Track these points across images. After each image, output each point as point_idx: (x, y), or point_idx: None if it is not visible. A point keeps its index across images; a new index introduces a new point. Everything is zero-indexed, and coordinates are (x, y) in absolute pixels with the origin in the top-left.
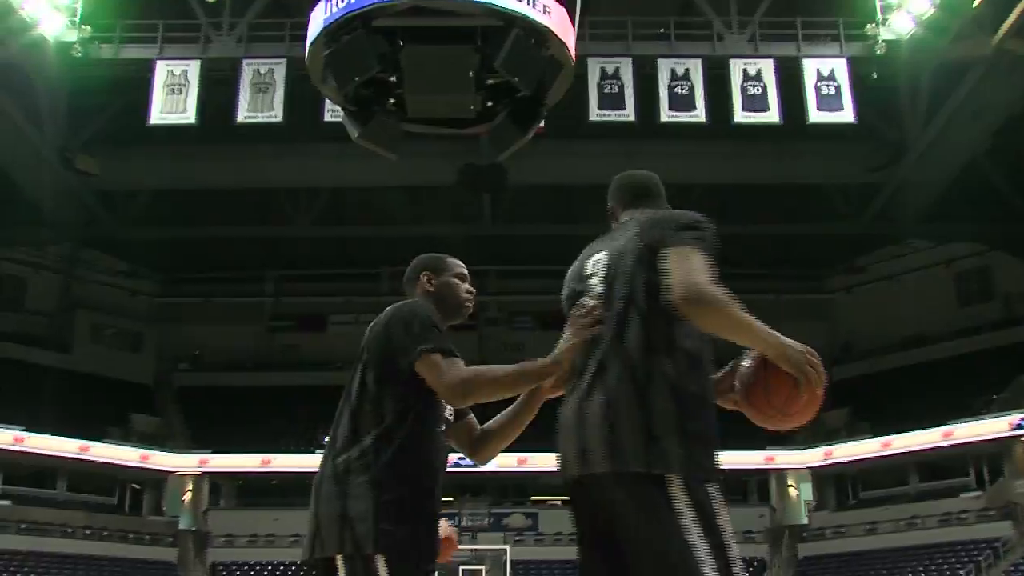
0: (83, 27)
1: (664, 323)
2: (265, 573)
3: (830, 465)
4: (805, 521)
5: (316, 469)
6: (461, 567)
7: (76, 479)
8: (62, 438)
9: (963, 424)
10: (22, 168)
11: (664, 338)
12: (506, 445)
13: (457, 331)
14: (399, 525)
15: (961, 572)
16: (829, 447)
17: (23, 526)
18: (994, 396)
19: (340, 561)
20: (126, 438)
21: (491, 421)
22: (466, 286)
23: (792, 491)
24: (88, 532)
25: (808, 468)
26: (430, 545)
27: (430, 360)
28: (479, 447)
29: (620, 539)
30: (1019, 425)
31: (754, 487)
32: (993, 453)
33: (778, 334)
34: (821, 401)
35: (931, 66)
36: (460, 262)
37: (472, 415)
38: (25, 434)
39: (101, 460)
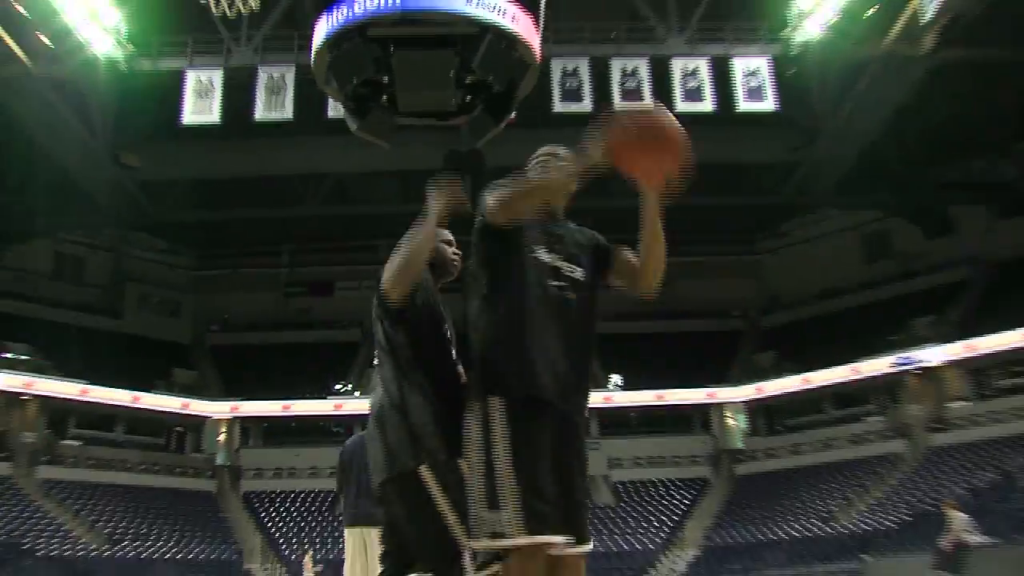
0: (126, 45)
1: None
2: (288, 500)
3: (761, 399)
4: (741, 446)
5: (329, 412)
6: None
7: (131, 423)
8: (118, 390)
9: (868, 361)
10: (78, 166)
11: None
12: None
13: (445, 293)
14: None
15: (866, 482)
16: (760, 384)
17: (90, 462)
18: (892, 338)
19: (425, 471)
20: (170, 389)
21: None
22: (452, 249)
23: (730, 421)
24: (142, 467)
25: (742, 401)
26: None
27: None
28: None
29: None
30: (901, 361)
31: (698, 419)
32: (891, 384)
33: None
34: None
35: (837, 64)
36: (446, 231)
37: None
38: (89, 386)
39: (150, 408)
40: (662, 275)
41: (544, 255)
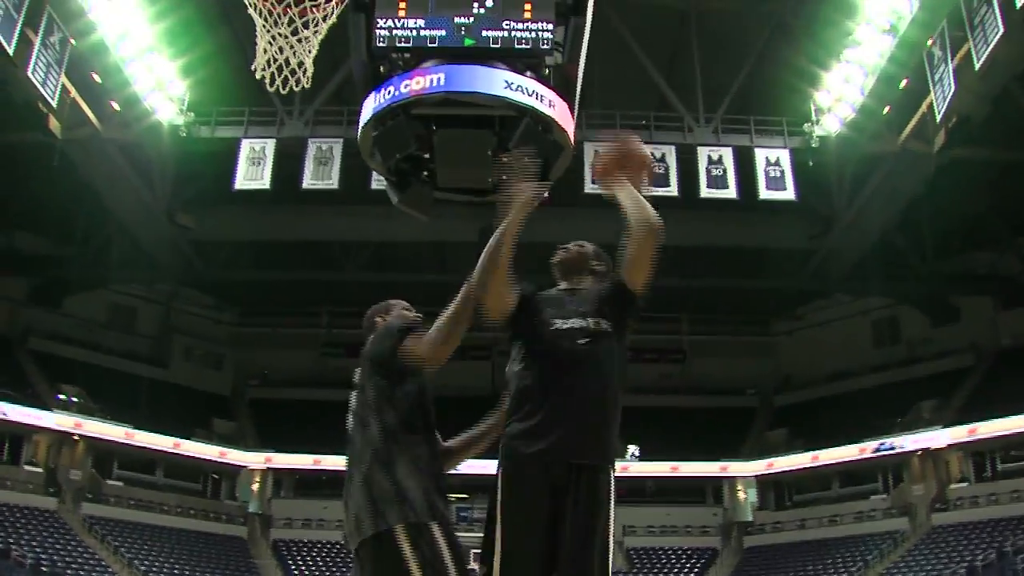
0: (188, 113)
1: None
2: (316, 549)
3: (771, 474)
4: (750, 518)
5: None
6: (472, 551)
7: (171, 468)
8: (161, 435)
9: (874, 442)
10: (137, 222)
11: None
12: (463, 461)
13: (474, 361)
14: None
15: (869, 557)
16: (771, 459)
17: (131, 502)
18: (898, 420)
19: (401, 530)
20: (209, 438)
21: (453, 440)
22: (412, 314)
23: (740, 494)
24: (179, 510)
25: (754, 476)
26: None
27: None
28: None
29: None
30: (879, 448)
31: (710, 491)
32: (896, 464)
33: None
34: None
35: (853, 158)
36: (404, 302)
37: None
38: (133, 431)
39: (189, 454)
40: (648, 266)
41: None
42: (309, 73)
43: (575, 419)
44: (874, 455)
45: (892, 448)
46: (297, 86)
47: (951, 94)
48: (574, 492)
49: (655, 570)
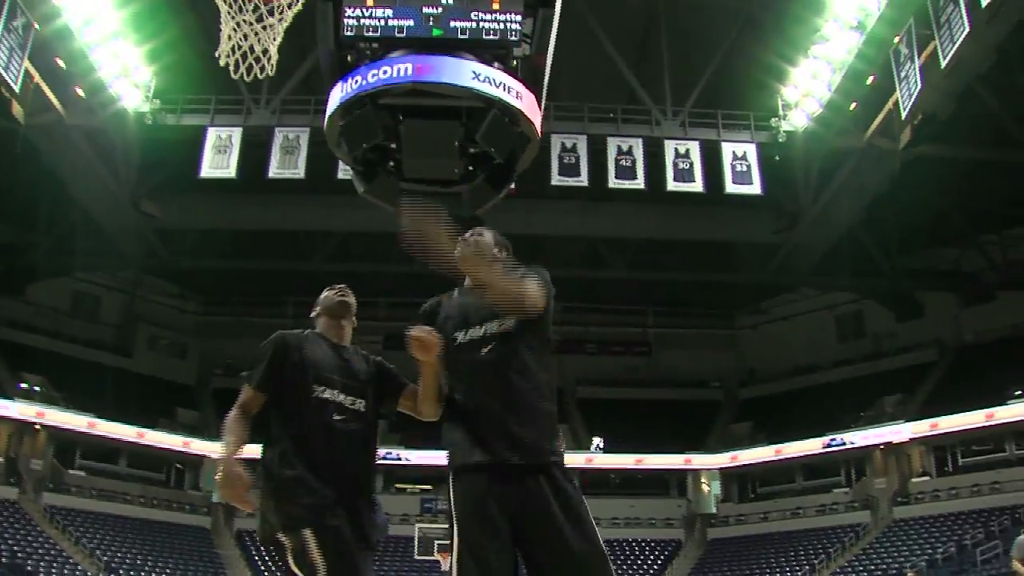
0: (154, 100)
1: None
2: None
3: (735, 467)
4: (714, 511)
5: None
6: (436, 541)
7: (134, 458)
8: (124, 425)
9: (837, 435)
10: (101, 210)
11: None
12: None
13: None
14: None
15: (831, 550)
16: (735, 452)
17: (94, 492)
18: (862, 413)
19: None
20: (173, 428)
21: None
22: (335, 296)
23: (704, 487)
24: (142, 500)
25: (718, 468)
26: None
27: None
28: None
29: None
30: (830, 443)
31: (674, 483)
32: (858, 458)
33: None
34: None
35: (820, 153)
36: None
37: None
38: (96, 420)
39: (153, 444)
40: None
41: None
42: (274, 61)
43: (501, 426)
44: (831, 449)
45: (843, 444)
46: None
47: (917, 91)
48: (538, 496)
49: (619, 561)
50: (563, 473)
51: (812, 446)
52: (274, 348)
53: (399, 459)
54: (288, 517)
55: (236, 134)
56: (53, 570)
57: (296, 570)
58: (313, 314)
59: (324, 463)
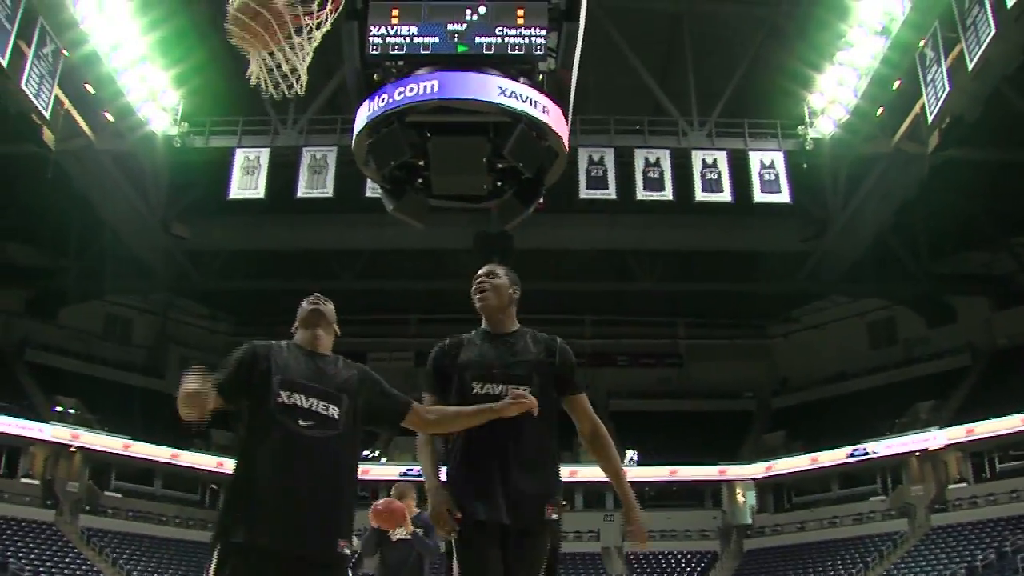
0: (182, 123)
1: None
2: None
3: (770, 476)
4: (749, 521)
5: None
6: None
7: (169, 479)
8: (158, 446)
9: (872, 443)
10: (132, 233)
11: None
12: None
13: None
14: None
15: (868, 559)
16: (769, 462)
17: (129, 513)
18: (896, 421)
19: None
20: (207, 448)
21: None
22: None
23: (739, 497)
24: (178, 521)
25: (752, 479)
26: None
27: None
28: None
29: None
30: (861, 452)
31: (709, 494)
32: (895, 465)
33: None
34: None
35: (848, 159)
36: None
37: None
38: (131, 441)
39: (188, 465)
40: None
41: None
42: (303, 80)
43: (502, 484)
44: (865, 458)
45: (876, 452)
46: (290, 91)
47: (944, 95)
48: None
49: (655, 574)
50: (553, 536)
51: (846, 455)
52: (241, 355)
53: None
54: (219, 526)
55: (264, 155)
56: None
57: None
58: (293, 328)
59: (282, 471)
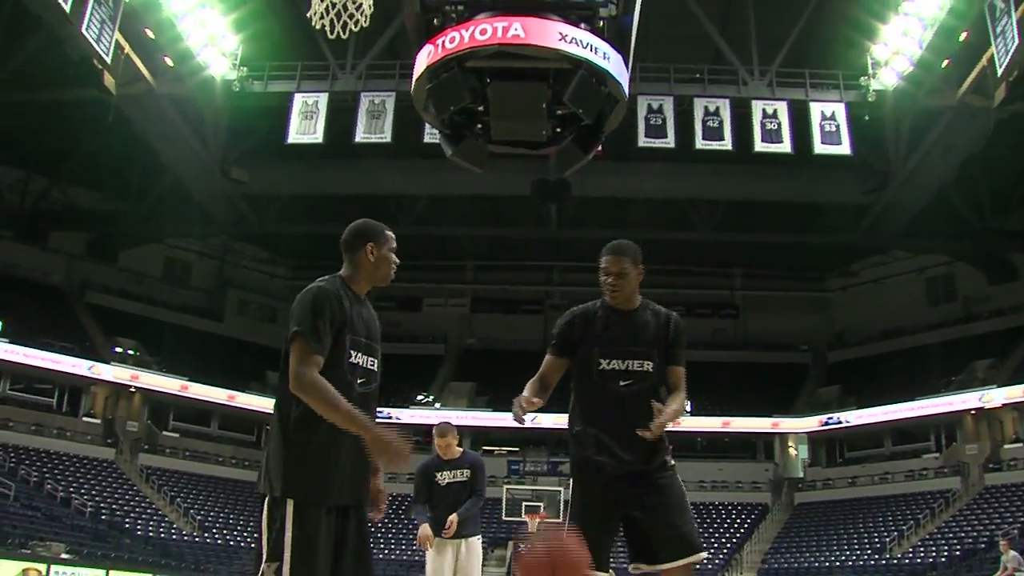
0: (241, 68)
1: None
2: None
3: (823, 430)
4: (801, 475)
5: (407, 420)
6: (524, 503)
7: (225, 420)
8: (215, 388)
9: (928, 400)
10: (192, 177)
11: None
12: None
13: (527, 315)
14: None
15: (920, 516)
16: (823, 416)
17: (187, 453)
18: (952, 378)
19: (266, 501)
20: (262, 390)
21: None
22: (395, 258)
23: (792, 450)
24: (234, 461)
25: (805, 432)
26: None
27: (298, 343)
28: None
29: None
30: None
31: (761, 447)
32: (949, 423)
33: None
34: None
35: (910, 112)
36: (392, 235)
37: None
38: (189, 383)
39: (244, 407)
40: None
41: None
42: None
43: (619, 445)
44: (920, 414)
45: (933, 409)
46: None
47: (1014, 47)
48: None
49: (705, 524)
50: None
51: (901, 410)
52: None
53: (487, 422)
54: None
55: (322, 99)
56: (150, 528)
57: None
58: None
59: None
